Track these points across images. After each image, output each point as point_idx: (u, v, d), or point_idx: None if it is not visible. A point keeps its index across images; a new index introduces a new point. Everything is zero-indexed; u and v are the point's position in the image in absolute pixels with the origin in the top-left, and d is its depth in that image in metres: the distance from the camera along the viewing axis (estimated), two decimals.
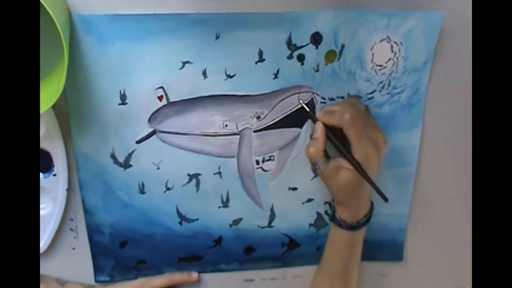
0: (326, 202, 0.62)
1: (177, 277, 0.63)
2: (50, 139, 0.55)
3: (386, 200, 0.55)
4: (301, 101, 0.56)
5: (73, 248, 0.61)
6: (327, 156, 0.55)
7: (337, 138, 0.54)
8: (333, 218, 0.58)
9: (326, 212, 0.62)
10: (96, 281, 0.62)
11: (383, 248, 0.66)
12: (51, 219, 0.58)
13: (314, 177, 0.61)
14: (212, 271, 0.64)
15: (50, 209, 0.58)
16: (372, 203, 0.58)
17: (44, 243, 0.59)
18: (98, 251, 0.61)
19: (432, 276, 0.69)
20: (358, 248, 0.59)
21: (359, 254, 0.60)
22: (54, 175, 0.56)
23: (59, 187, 0.57)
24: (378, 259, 0.67)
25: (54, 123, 0.54)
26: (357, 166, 0.53)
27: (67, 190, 0.57)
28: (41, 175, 0.56)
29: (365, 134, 0.53)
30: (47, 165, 0.56)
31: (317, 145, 0.54)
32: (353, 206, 0.56)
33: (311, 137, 0.59)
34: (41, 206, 0.57)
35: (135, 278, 0.63)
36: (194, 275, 0.63)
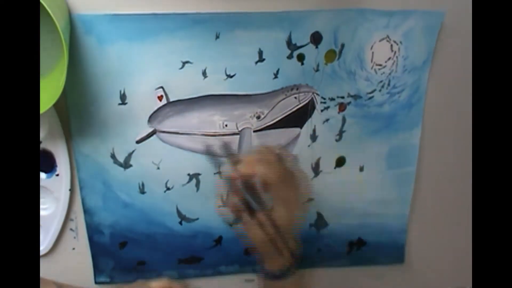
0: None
1: (175, 285, 0.56)
2: (52, 140, 0.55)
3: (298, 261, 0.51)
4: None
5: (73, 248, 0.61)
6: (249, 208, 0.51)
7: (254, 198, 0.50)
8: (258, 268, 0.54)
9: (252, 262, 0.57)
10: (96, 282, 0.62)
11: (384, 251, 0.66)
12: (54, 219, 0.58)
13: (314, 177, 0.61)
14: (212, 274, 0.64)
15: (53, 209, 0.58)
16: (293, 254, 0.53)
17: (47, 243, 0.59)
18: (98, 252, 0.61)
19: (433, 276, 0.69)
20: None
21: None
22: (57, 175, 0.56)
23: (62, 187, 0.57)
24: (379, 263, 0.66)
25: (56, 124, 0.54)
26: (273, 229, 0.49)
27: (70, 190, 0.57)
28: (44, 175, 0.56)
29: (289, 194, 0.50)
30: (50, 165, 0.56)
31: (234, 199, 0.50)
32: (273, 256, 0.52)
33: (311, 137, 0.59)
34: (43, 207, 0.58)
35: (135, 279, 0.63)
36: None
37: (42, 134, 0.55)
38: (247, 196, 0.50)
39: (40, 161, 0.56)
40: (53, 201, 0.57)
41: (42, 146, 0.55)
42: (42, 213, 0.58)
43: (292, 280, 0.54)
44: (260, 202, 0.50)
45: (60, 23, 0.44)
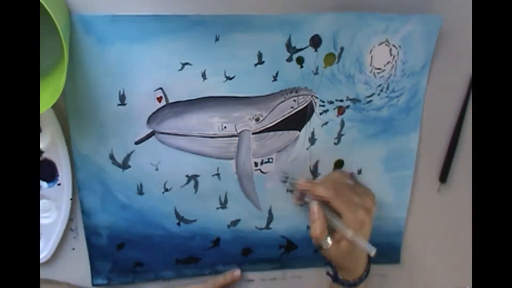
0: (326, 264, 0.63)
1: (220, 279, 0.63)
2: (54, 149, 0.55)
3: (372, 254, 0.56)
4: None
5: (73, 248, 0.60)
6: (329, 232, 0.56)
7: (330, 212, 0.56)
8: (336, 279, 0.60)
9: (327, 273, 0.62)
10: (93, 285, 0.62)
11: (381, 251, 0.65)
12: (55, 228, 0.58)
13: (312, 179, 0.61)
14: (210, 273, 0.64)
15: (54, 218, 0.58)
16: (369, 256, 0.59)
17: (48, 251, 0.59)
18: (96, 254, 0.61)
19: (431, 277, 0.69)
20: None
21: None
22: (59, 184, 0.57)
23: (63, 196, 0.57)
24: (375, 262, 0.66)
25: (59, 133, 0.55)
26: (352, 236, 0.54)
27: (71, 199, 0.57)
28: (46, 184, 0.57)
29: (353, 202, 0.55)
30: (52, 175, 0.56)
31: (320, 225, 0.55)
32: (354, 267, 0.58)
33: (310, 140, 0.59)
34: (45, 215, 0.58)
35: (133, 281, 0.63)
36: (237, 272, 0.63)
37: (44, 144, 0.55)
38: (329, 216, 0.56)
39: (42, 170, 0.56)
40: (55, 209, 0.58)
41: (44, 155, 0.55)
42: (43, 221, 0.58)
43: (366, 283, 0.60)
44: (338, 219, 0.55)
45: (60, 24, 0.44)
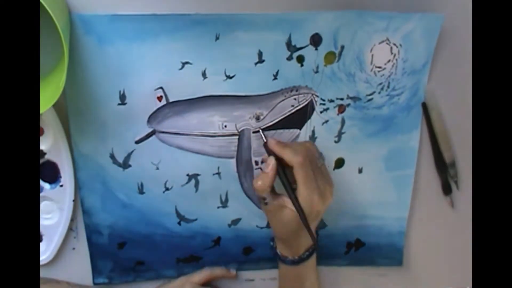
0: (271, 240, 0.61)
1: (217, 271, 0.63)
2: (57, 151, 0.55)
3: (316, 247, 0.56)
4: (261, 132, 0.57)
5: (73, 248, 0.60)
6: (274, 192, 0.55)
7: (286, 177, 0.54)
8: (275, 253, 0.58)
9: (270, 247, 0.60)
10: (94, 283, 0.62)
11: (382, 252, 0.66)
12: (57, 229, 0.58)
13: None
14: None
15: (56, 219, 0.58)
16: (317, 234, 0.58)
17: (50, 252, 0.59)
18: (97, 253, 0.61)
19: (432, 279, 0.69)
20: (309, 278, 0.58)
21: (312, 283, 0.59)
22: (61, 185, 0.57)
23: (66, 197, 0.57)
24: (377, 264, 0.67)
25: (61, 135, 0.55)
26: (299, 209, 0.53)
27: (73, 201, 0.58)
28: (48, 185, 0.57)
29: (313, 180, 0.53)
30: (54, 176, 0.56)
31: (266, 179, 0.53)
32: (294, 243, 0.56)
33: (310, 138, 0.59)
34: (47, 216, 0.58)
35: (134, 280, 0.63)
36: (233, 271, 0.64)
37: (46, 145, 0.55)
38: (281, 173, 0.54)
39: (44, 172, 0.56)
40: (57, 211, 0.58)
41: (46, 157, 0.56)
42: (45, 222, 0.58)
43: (309, 264, 0.57)
44: (289, 182, 0.53)
45: (60, 23, 0.44)
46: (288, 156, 0.53)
